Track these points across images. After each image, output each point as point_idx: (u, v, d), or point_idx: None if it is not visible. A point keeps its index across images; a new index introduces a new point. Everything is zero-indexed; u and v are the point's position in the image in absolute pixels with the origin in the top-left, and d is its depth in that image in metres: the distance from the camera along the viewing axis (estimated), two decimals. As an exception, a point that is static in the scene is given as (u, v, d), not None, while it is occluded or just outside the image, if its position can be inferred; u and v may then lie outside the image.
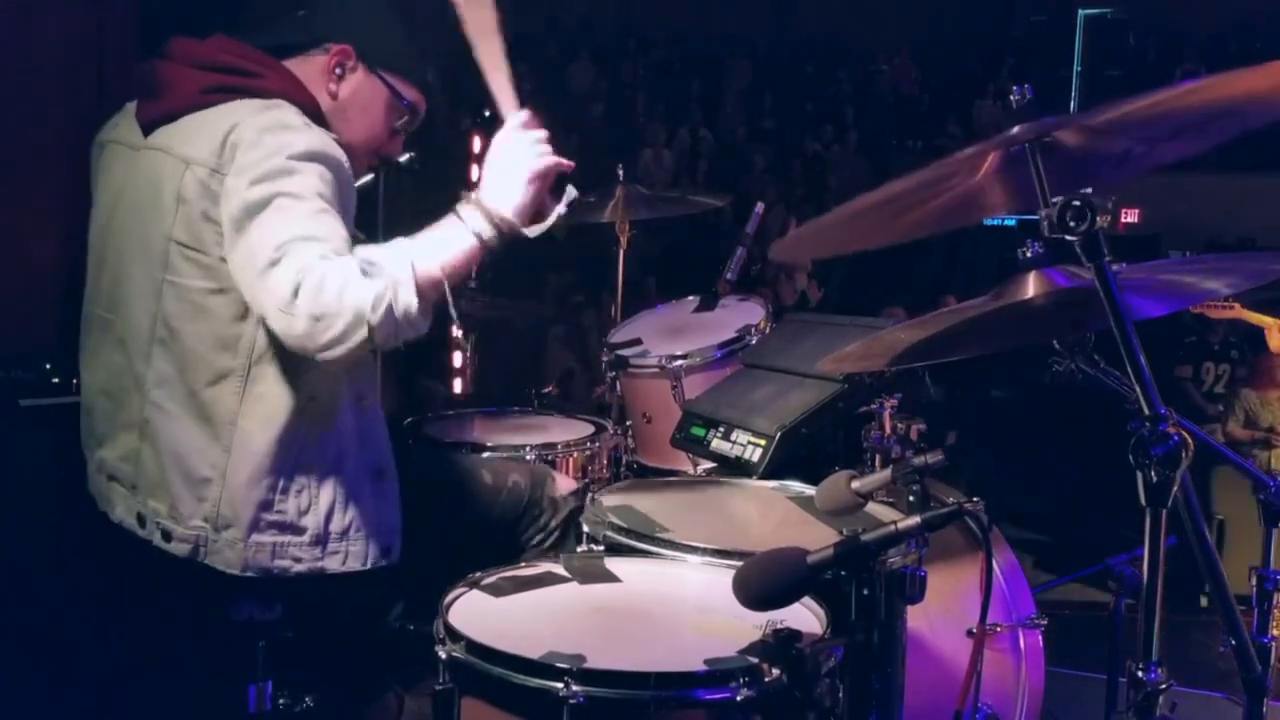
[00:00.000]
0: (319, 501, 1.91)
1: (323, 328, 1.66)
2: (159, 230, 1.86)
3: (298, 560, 1.90)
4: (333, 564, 1.92)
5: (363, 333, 1.67)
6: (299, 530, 1.89)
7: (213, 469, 1.86)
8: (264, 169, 1.75)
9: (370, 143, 2.08)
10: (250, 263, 1.71)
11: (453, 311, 1.83)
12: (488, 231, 1.85)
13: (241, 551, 1.87)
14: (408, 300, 1.71)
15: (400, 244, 1.80)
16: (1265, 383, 5.69)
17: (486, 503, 2.29)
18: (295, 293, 1.65)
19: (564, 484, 2.43)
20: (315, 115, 1.92)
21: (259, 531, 1.87)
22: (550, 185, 1.95)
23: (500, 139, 1.94)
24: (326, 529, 1.91)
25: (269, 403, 1.86)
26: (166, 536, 1.88)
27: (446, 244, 1.84)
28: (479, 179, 1.92)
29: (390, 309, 1.68)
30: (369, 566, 1.96)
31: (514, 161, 1.91)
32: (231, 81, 1.88)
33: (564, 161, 1.95)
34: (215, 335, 1.85)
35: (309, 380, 1.86)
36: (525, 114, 1.95)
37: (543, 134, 1.94)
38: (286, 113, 1.84)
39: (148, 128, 1.91)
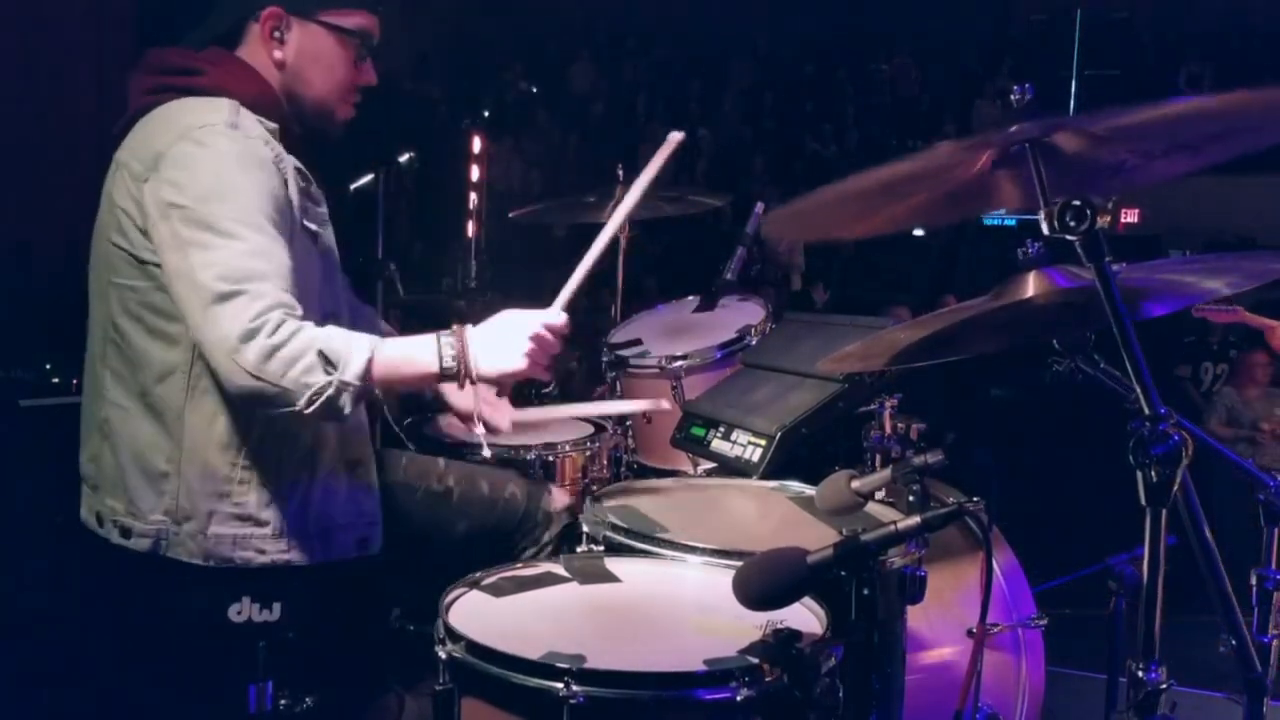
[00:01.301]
0: (284, 495, 1.91)
1: (257, 387, 1.70)
2: (104, 234, 1.90)
3: (261, 552, 1.90)
4: (300, 557, 1.92)
5: (289, 409, 1.72)
6: (260, 522, 1.90)
7: (168, 463, 1.88)
8: (201, 186, 1.76)
9: (341, 86, 2.03)
10: (193, 288, 1.72)
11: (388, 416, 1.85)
12: (451, 366, 1.83)
13: (202, 543, 1.88)
14: (346, 404, 1.74)
15: (365, 343, 1.78)
16: (1245, 381, 5.71)
17: (482, 512, 2.28)
18: (245, 341, 1.68)
19: (560, 498, 2.42)
20: (262, 102, 1.92)
21: (218, 523, 1.88)
22: (512, 383, 1.96)
23: (529, 314, 1.91)
24: (293, 523, 1.92)
25: (214, 397, 1.87)
26: (125, 533, 1.90)
27: (412, 355, 1.84)
28: (482, 325, 1.89)
29: (327, 405, 1.72)
30: (346, 558, 1.96)
31: (519, 338, 1.87)
32: (168, 81, 1.90)
33: (546, 375, 1.97)
34: (160, 332, 1.86)
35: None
36: (564, 319, 1.93)
37: (558, 343, 1.92)
38: (212, 111, 1.84)
39: (119, 138, 1.95)
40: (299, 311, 1.76)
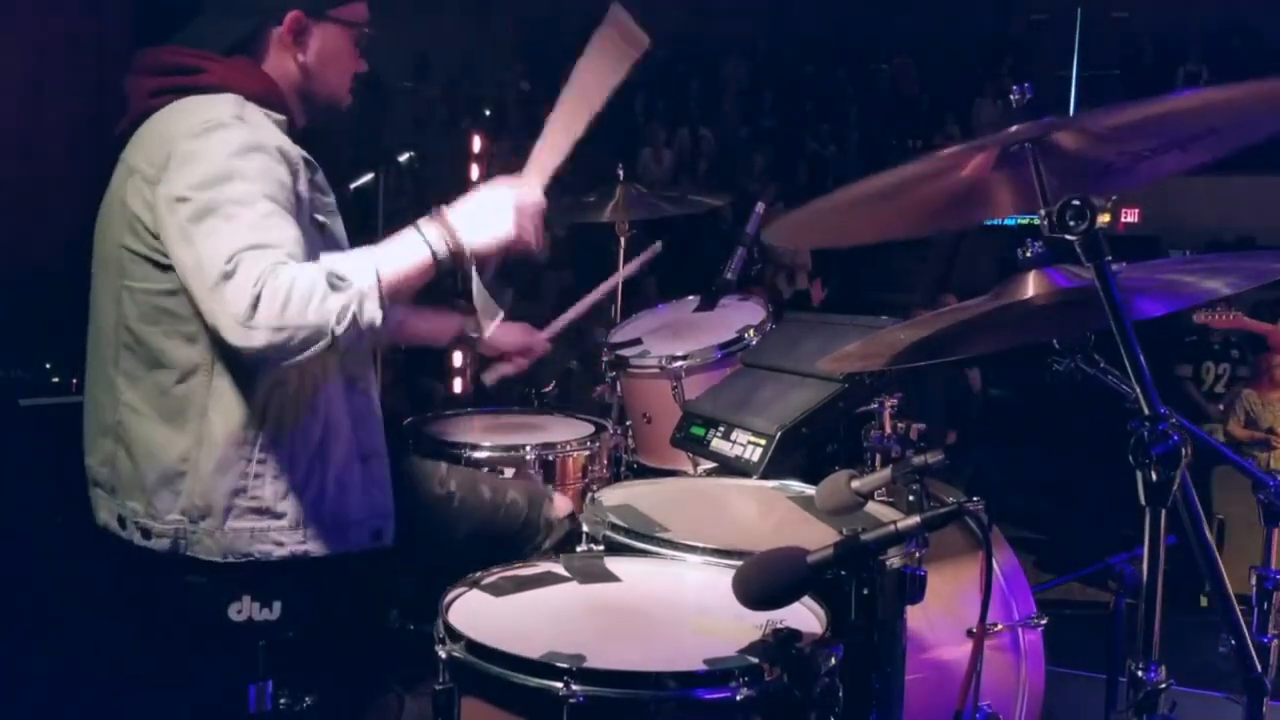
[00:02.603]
0: (300, 486, 1.91)
1: (283, 338, 1.65)
2: (115, 238, 1.89)
3: (279, 544, 1.90)
4: (317, 548, 1.92)
5: (325, 342, 1.67)
6: (277, 515, 1.90)
7: (184, 462, 1.88)
8: (203, 174, 1.74)
9: (349, 79, 2.08)
10: (200, 275, 1.71)
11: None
12: (441, 249, 1.83)
13: (220, 539, 1.88)
14: (372, 312, 1.71)
15: (363, 253, 1.79)
16: (1265, 383, 5.70)
17: (483, 517, 2.29)
18: (254, 305, 1.64)
19: (562, 505, 2.42)
20: (267, 97, 1.92)
21: (235, 518, 1.88)
22: (508, 256, 1.94)
23: (505, 184, 1.93)
24: (309, 513, 1.92)
25: (234, 392, 1.87)
26: (146, 534, 1.90)
27: (403, 254, 1.82)
28: (457, 203, 1.89)
29: (355, 320, 1.68)
30: (358, 550, 1.96)
31: (501, 207, 1.89)
32: (173, 82, 1.89)
33: (538, 245, 1.95)
34: (177, 333, 1.86)
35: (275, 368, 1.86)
36: (541, 192, 1.94)
37: (543, 208, 1.94)
38: (219, 106, 1.83)
39: (120, 141, 1.95)
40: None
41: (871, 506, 1.95)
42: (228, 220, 1.71)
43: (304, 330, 1.65)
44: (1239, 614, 1.31)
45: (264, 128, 1.86)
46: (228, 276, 1.67)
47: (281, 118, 1.93)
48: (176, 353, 1.86)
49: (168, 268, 1.82)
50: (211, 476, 1.87)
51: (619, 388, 3.13)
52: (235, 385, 1.86)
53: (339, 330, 1.67)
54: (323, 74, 2.02)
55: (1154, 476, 1.23)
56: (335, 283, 1.69)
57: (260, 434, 1.88)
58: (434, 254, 1.82)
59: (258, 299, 1.64)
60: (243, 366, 1.85)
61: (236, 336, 1.67)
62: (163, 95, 1.89)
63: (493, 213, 1.88)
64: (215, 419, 1.87)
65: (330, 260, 1.74)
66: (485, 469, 2.72)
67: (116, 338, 1.91)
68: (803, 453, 2.40)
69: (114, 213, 1.90)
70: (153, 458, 1.89)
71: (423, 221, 1.85)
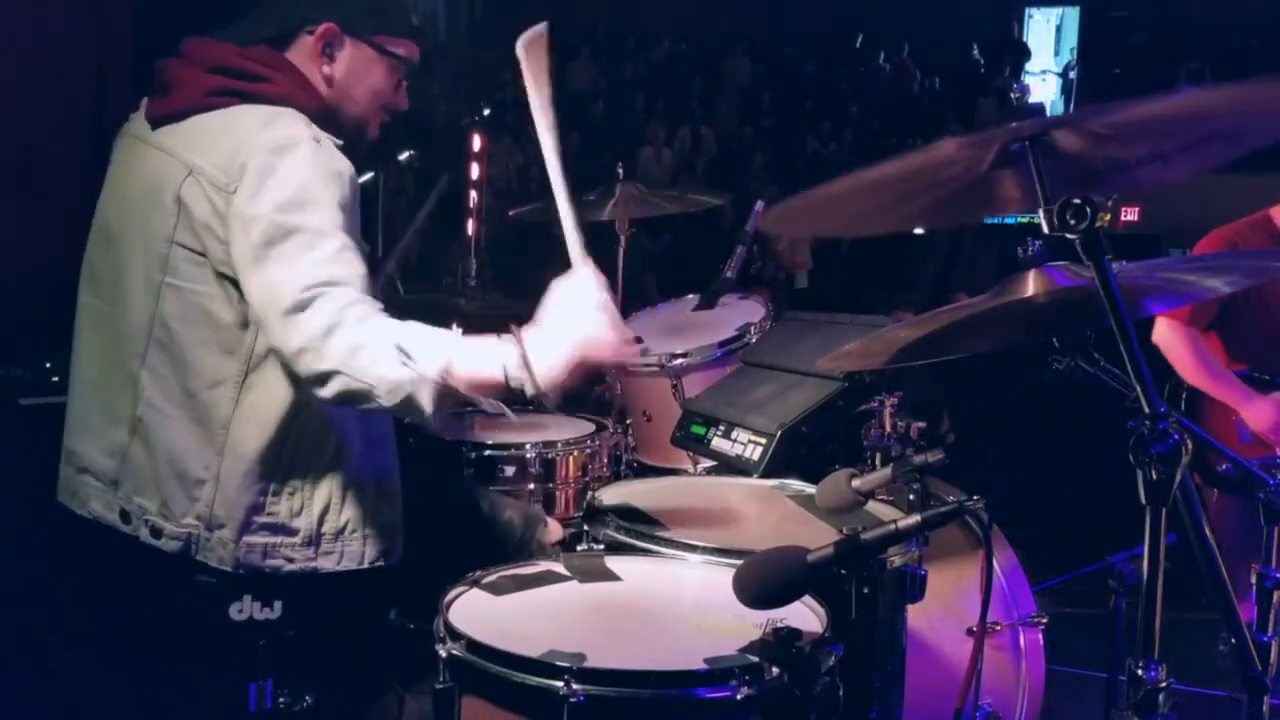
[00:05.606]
0: (313, 503, 1.91)
1: (339, 382, 1.69)
2: (160, 231, 1.85)
3: (290, 560, 1.91)
4: (327, 564, 1.93)
5: (370, 404, 1.70)
6: (291, 531, 1.90)
7: (206, 470, 1.87)
8: (284, 196, 1.75)
9: (377, 106, 2.05)
10: (273, 300, 1.71)
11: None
12: (515, 380, 1.72)
13: (233, 551, 1.88)
14: (425, 402, 1.69)
15: (443, 339, 1.74)
16: None
17: (479, 529, 2.29)
18: (325, 339, 1.67)
19: (555, 531, 2.42)
20: (321, 115, 1.91)
21: (250, 533, 1.88)
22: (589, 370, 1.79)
23: (569, 289, 1.78)
24: (320, 530, 1.92)
25: (263, 408, 1.86)
26: (156, 533, 1.89)
27: (481, 363, 1.73)
28: (538, 320, 1.76)
29: (405, 401, 1.69)
30: (366, 566, 1.96)
31: (573, 328, 1.74)
32: (236, 85, 1.87)
33: (629, 357, 1.87)
34: (216, 340, 1.85)
35: (303, 387, 1.86)
36: (593, 270, 1.78)
37: (607, 303, 1.77)
38: (293, 124, 1.83)
39: (154, 124, 1.91)
40: (379, 307, 1.75)
41: (872, 505, 1.94)
42: (306, 249, 1.73)
43: (359, 385, 1.68)
44: (1239, 612, 1.31)
45: (334, 151, 1.85)
46: (302, 307, 1.69)
47: (340, 141, 1.90)
48: (208, 360, 1.85)
49: (224, 276, 1.81)
50: (235, 491, 1.86)
51: (619, 386, 3.13)
52: (265, 402, 1.86)
53: (388, 404, 1.69)
54: (348, 92, 1.99)
55: (1154, 475, 1.23)
56: (404, 359, 1.68)
57: (283, 452, 1.89)
58: (507, 379, 1.72)
59: (330, 336, 1.67)
60: (273, 384, 1.86)
61: (303, 363, 1.70)
62: (222, 96, 1.86)
63: (566, 336, 1.73)
64: (243, 434, 1.86)
65: (410, 332, 1.72)
66: (485, 468, 2.72)
67: (149, 333, 1.88)
68: (802, 451, 2.40)
69: (159, 205, 1.85)
70: (174, 460, 1.88)
71: (510, 348, 1.73)
